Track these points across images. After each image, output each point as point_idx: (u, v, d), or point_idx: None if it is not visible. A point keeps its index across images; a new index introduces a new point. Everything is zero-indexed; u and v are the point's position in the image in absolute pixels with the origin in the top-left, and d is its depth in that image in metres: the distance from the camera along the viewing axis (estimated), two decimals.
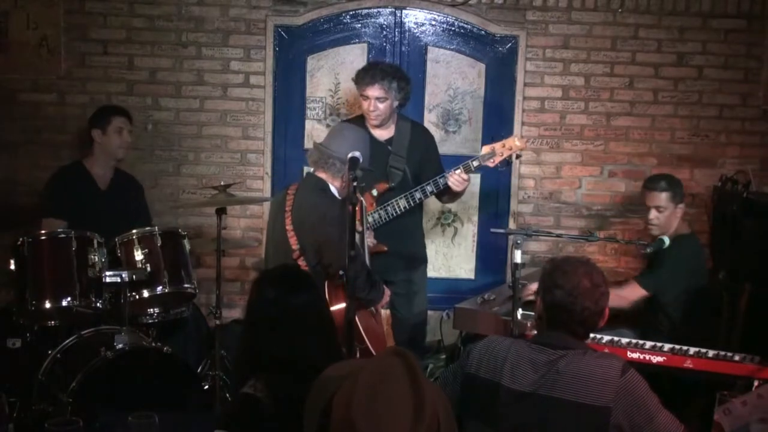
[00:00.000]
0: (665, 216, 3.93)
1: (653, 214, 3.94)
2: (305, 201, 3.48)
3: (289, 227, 3.50)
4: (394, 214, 3.96)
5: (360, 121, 4.10)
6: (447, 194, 4.06)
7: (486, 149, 3.99)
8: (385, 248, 3.95)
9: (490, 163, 3.98)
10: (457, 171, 3.89)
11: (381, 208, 3.96)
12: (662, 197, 3.94)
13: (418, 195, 3.95)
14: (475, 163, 3.93)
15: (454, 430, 1.60)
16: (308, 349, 2.17)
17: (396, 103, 4.03)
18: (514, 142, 3.98)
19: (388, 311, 4.35)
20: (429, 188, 3.93)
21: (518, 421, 2.34)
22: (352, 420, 1.47)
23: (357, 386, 1.50)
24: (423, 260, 4.30)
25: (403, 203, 3.95)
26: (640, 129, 4.97)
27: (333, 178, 3.48)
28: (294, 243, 3.47)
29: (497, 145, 3.97)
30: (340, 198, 3.47)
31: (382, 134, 4.08)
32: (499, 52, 4.92)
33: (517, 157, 4.09)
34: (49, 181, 4.28)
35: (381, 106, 3.97)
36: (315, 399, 1.62)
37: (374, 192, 3.98)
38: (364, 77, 3.98)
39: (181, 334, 4.20)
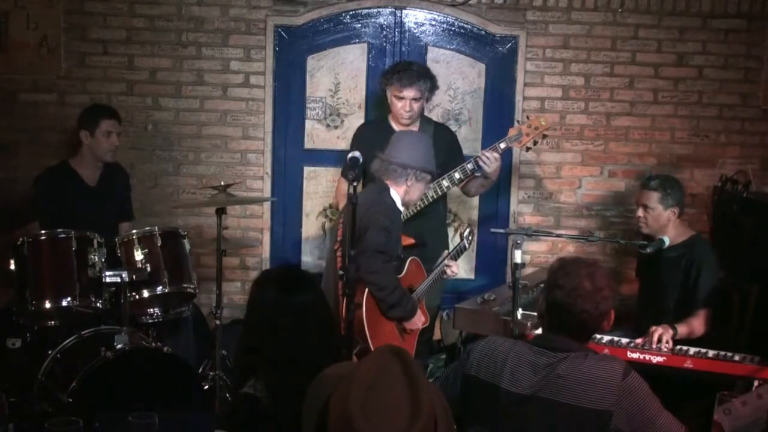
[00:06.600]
0: (653, 216, 3.75)
1: (640, 212, 3.83)
2: (361, 200, 3.17)
3: (337, 243, 3.52)
4: (422, 205, 3.95)
5: (383, 121, 4.14)
6: (475, 181, 4.07)
7: (512, 131, 4.00)
8: (413, 241, 3.93)
9: (518, 144, 4.01)
10: (486, 152, 3.90)
11: None
12: (652, 196, 3.76)
13: (446, 183, 3.95)
14: (503, 145, 3.95)
15: (452, 428, 1.60)
16: (308, 350, 2.17)
17: (425, 103, 4.10)
18: (539, 121, 4.01)
19: None
20: (457, 175, 3.94)
21: (518, 424, 2.34)
22: (349, 418, 1.47)
23: (354, 385, 1.51)
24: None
25: (431, 193, 3.94)
26: (640, 129, 4.97)
27: (396, 184, 3.55)
28: (339, 261, 3.42)
29: (523, 126, 4.00)
30: (402, 205, 3.57)
31: None
32: (499, 52, 4.92)
33: (544, 137, 4.09)
34: (35, 185, 4.18)
35: (416, 106, 4.02)
36: (313, 398, 1.63)
37: None
38: (401, 78, 3.98)
39: (181, 334, 4.19)
